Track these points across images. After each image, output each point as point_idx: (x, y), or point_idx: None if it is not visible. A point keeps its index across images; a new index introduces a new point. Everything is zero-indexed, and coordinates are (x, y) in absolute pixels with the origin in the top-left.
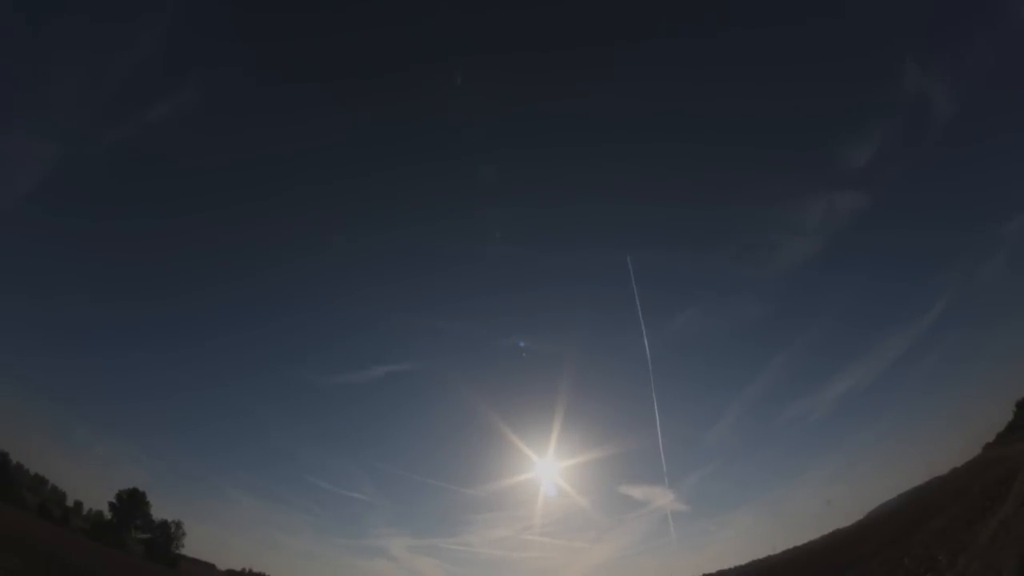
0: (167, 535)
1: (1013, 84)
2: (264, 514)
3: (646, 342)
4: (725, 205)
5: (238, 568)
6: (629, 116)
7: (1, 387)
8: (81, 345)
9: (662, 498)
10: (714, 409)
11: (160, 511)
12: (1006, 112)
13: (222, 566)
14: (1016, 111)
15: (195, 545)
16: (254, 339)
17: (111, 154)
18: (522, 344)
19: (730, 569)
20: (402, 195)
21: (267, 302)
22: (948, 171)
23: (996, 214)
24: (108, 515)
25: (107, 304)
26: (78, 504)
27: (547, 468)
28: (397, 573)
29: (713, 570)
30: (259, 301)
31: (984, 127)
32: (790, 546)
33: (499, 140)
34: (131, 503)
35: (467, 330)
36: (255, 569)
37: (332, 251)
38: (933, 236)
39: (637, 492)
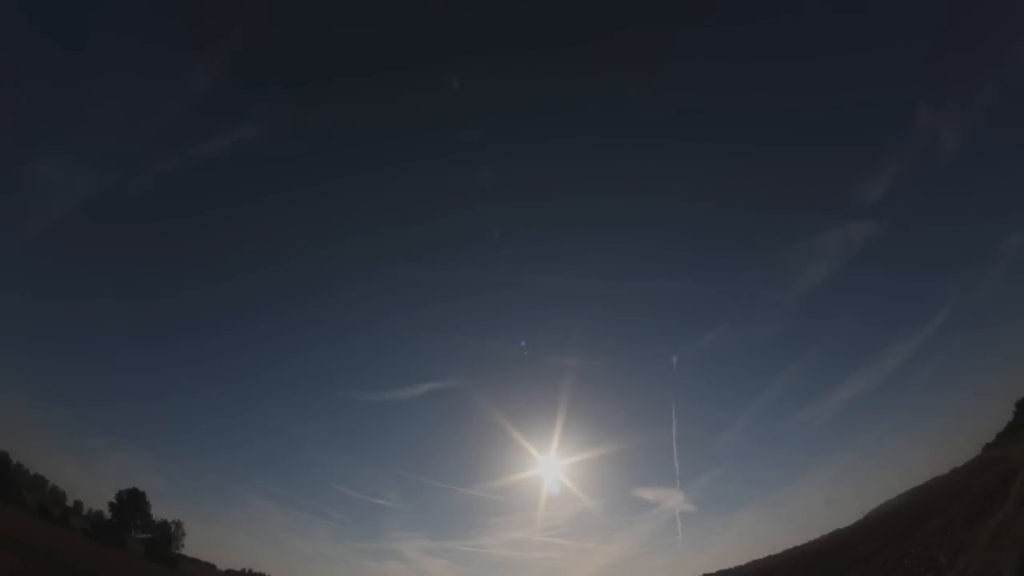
0: (167, 535)
1: (1014, 119)
2: (283, 520)
3: (674, 359)
4: (753, 236)
5: (238, 568)
6: (660, 148)
7: (29, 393)
8: (113, 357)
9: (672, 499)
10: (727, 415)
11: (181, 517)
12: (1006, 143)
13: (223, 566)
14: (1016, 142)
15: (207, 548)
16: (288, 357)
17: (157, 182)
18: (523, 343)
19: (730, 569)
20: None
21: (305, 321)
22: (953, 200)
23: (996, 233)
24: (108, 515)
25: (148, 318)
26: (78, 504)
27: (559, 471)
28: (407, 574)
29: (714, 570)
30: (297, 316)
31: (986, 157)
32: (790, 546)
33: (498, 141)
34: (131, 503)
35: (491, 344)
36: (255, 569)
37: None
38: (938, 253)
39: (650, 494)
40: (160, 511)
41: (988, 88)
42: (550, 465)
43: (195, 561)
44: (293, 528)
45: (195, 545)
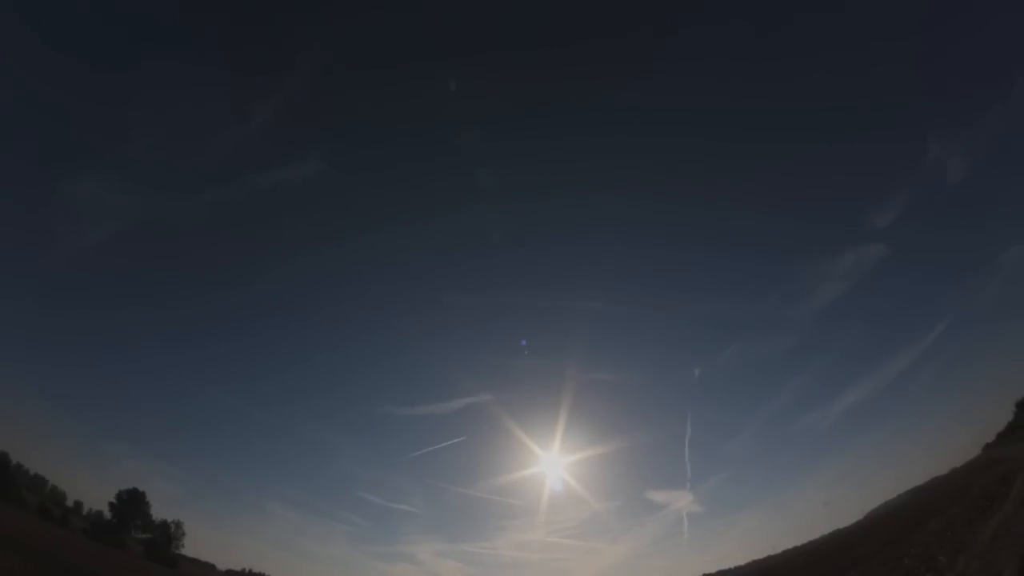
0: (167, 535)
1: (1018, 144)
2: (300, 526)
3: (696, 372)
4: (771, 261)
5: (238, 568)
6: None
7: (58, 400)
8: (136, 362)
9: (681, 500)
10: (738, 421)
11: (199, 523)
12: (1010, 166)
13: (230, 567)
14: (1017, 164)
15: (218, 551)
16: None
17: (198, 206)
18: (524, 343)
19: (731, 569)
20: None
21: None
22: (957, 217)
23: (996, 244)
24: (108, 515)
25: (170, 324)
26: (78, 504)
27: (567, 475)
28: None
29: (714, 570)
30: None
31: (988, 178)
32: (790, 546)
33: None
34: (131, 503)
35: (502, 350)
36: (256, 569)
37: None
38: (941, 264)
39: (660, 496)
40: (177, 516)
41: (993, 117)
42: (560, 467)
43: (195, 561)
44: (309, 533)
45: (205, 548)
